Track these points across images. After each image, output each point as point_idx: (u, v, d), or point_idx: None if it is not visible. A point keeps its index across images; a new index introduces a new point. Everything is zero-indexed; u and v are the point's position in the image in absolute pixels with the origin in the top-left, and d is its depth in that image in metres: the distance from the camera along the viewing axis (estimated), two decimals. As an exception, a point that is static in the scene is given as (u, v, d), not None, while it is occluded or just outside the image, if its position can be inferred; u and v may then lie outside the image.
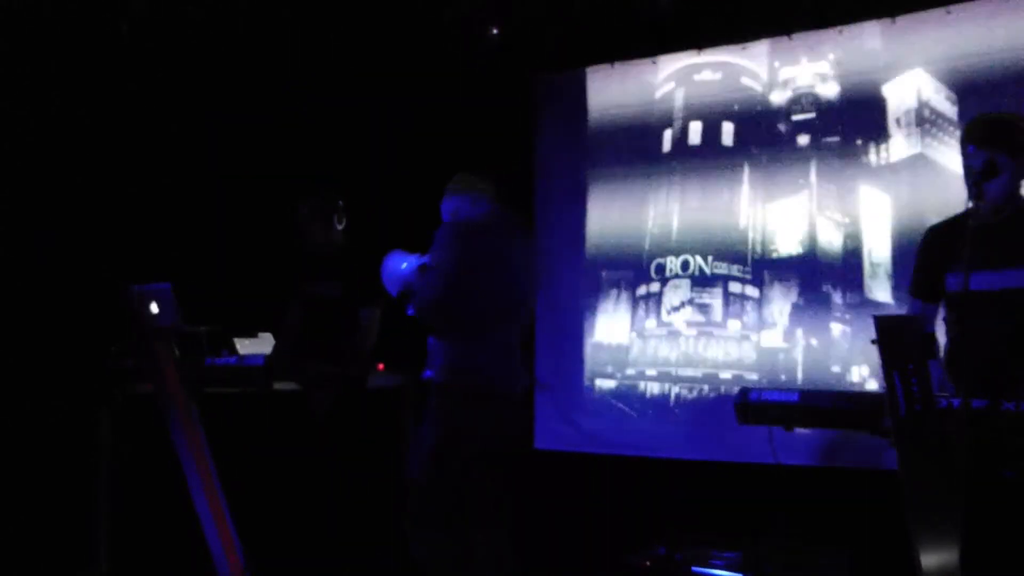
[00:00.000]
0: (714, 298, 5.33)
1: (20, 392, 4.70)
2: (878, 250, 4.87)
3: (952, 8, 4.69)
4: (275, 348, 4.73)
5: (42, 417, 4.73)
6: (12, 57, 4.65)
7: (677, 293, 5.45)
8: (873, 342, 2.95)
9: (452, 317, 3.84)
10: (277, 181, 5.26)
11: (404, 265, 3.94)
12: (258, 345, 4.79)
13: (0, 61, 4.62)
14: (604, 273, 5.71)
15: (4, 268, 4.68)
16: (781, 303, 5.13)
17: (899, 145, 4.84)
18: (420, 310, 3.85)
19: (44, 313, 4.75)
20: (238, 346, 4.69)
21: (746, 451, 4.65)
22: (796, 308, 5.09)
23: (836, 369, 4.93)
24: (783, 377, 5.06)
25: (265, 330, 4.91)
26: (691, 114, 5.47)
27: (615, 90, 5.70)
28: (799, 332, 5.05)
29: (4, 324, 4.68)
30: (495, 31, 5.37)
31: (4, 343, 4.67)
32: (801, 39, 5.13)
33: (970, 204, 3.13)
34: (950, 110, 4.71)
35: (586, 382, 5.70)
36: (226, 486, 4.12)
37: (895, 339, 2.91)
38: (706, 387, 5.30)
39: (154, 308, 3.96)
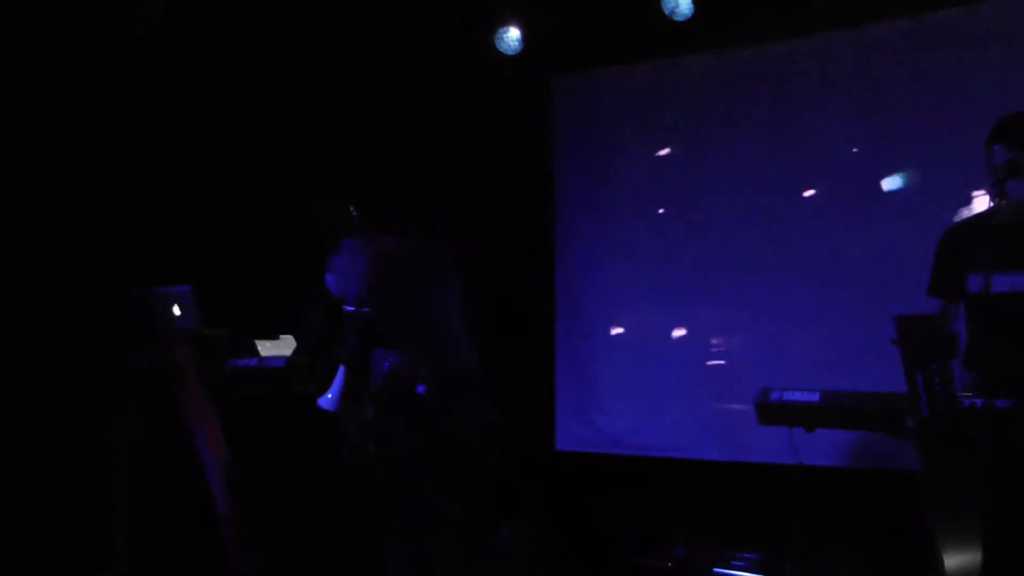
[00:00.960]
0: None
1: (36, 394, 4.72)
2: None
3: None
4: (295, 351, 4.74)
5: (59, 419, 4.75)
6: (18, 58, 4.66)
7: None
8: (894, 342, 2.94)
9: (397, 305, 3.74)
10: (295, 182, 5.28)
11: (329, 395, 3.89)
12: (279, 347, 4.79)
13: (7, 62, 4.63)
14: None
15: (17, 270, 4.70)
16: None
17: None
18: (374, 322, 3.73)
19: (60, 316, 4.77)
20: (259, 348, 4.70)
21: (767, 452, 4.63)
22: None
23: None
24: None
25: (286, 332, 4.92)
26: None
27: (633, 91, 5.70)
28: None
29: (21, 328, 4.71)
30: (514, 30, 5.35)
31: (20, 346, 4.69)
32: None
33: (992, 204, 3.11)
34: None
35: (605, 383, 5.69)
36: (246, 487, 4.13)
37: (917, 339, 2.89)
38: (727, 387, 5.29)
39: (175, 311, 3.98)
